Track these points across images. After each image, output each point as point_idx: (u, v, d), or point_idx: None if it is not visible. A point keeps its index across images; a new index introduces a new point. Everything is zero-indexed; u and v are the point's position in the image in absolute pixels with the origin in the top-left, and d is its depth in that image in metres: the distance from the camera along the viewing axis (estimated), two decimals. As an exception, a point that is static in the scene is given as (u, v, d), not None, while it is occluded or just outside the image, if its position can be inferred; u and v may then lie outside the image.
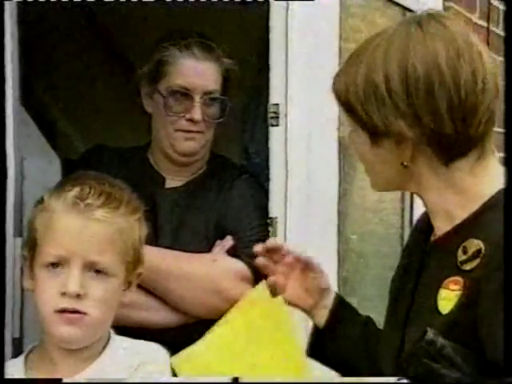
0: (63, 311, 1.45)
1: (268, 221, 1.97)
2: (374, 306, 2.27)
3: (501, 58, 3.61)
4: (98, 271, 1.48)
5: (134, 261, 1.54)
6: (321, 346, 1.69)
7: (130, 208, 1.54)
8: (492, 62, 1.37)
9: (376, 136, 1.36)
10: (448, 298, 1.32)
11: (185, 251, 1.92)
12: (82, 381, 1.48)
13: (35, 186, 1.69)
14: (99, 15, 2.87)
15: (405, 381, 1.32)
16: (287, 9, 1.99)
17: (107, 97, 2.90)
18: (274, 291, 1.72)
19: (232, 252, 1.92)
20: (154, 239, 1.91)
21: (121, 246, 1.50)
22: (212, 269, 1.89)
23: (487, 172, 1.37)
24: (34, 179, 1.69)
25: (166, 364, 1.55)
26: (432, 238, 1.44)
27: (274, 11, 2.00)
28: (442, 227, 1.40)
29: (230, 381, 1.44)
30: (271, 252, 1.71)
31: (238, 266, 1.90)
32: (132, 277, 1.55)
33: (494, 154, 1.39)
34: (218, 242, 1.93)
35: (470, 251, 1.31)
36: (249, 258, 1.88)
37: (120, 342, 1.55)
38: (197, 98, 1.95)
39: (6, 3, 1.54)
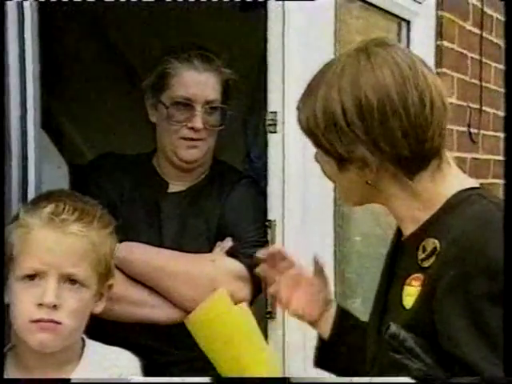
0: (39, 321, 1.49)
1: (266, 223, 2.03)
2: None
3: (495, 65, 3.68)
4: (72, 283, 1.52)
5: (106, 272, 1.59)
6: (327, 358, 1.71)
7: (102, 222, 1.58)
8: (437, 81, 1.44)
9: (341, 161, 1.43)
10: (410, 293, 1.40)
11: (187, 252, 1.97)
12: (89, 381, 1.53)
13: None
14: (106, 26, 2.94)
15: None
16: (284, 19, 2.05)
17: (114, 105, 2.95)
18: (275, 301, 1.73)
19: (231, 253, 1.97)
20: (158, 241, 2.01)
21: (94, 258, 1.54)
22: (211, 268, 1.94)
23: (445, 178, 1.46)
24: (44, 184, 1.72)
25: (136, 370, 1.60)
26: (401, 240, 1.52)
27: (271, 21, 2.06)
28: (407, 230, 1.48)
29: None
30: (273, 259, 1.71)
31: (236, 265, 1.95)
32: (103, 288, 1.60)
33: (449, 163, 1.47)
34: (218, 243, 1.99)
35: (428, 249, 1.40)
36: (247, 259, 1.95)
37: (94, 349, 1.60)
38: (198, 108, 2.01)
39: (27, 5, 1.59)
